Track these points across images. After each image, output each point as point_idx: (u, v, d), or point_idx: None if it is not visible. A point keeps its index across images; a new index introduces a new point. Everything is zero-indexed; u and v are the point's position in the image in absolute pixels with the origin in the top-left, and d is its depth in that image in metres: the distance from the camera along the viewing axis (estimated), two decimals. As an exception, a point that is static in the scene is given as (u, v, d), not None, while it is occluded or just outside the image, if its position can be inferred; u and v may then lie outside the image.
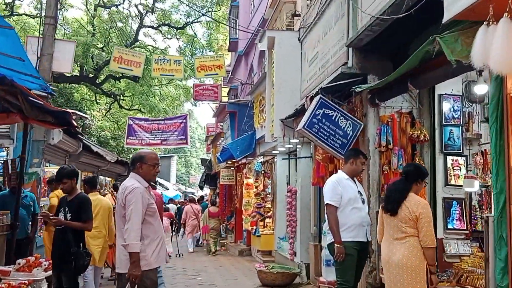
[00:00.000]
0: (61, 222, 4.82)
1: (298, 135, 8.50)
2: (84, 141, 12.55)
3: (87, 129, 27.07)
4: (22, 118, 6.60)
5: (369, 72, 6.23)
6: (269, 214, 12.30)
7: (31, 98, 5.58)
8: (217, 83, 15.51)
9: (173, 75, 11.19)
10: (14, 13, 21.70)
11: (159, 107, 26.54)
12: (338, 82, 6.32)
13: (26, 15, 23.18)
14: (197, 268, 11.10)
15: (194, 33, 22.91)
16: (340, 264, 5.10)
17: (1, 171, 7.37)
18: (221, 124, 17.77)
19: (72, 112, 10.75)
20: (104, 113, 28.09)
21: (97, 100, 26.71)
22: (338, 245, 5.03)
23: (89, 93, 26.35)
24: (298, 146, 10.08)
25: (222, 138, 16.82)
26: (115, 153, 21.64)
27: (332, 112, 6.20)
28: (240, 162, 15.38)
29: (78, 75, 21.83)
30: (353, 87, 6.01)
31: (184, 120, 20.02)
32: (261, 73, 15.50)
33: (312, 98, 6.61)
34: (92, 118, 27.93)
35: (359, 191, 5.28)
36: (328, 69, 7.02)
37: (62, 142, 10.64)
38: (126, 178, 4.29)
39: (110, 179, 19.64)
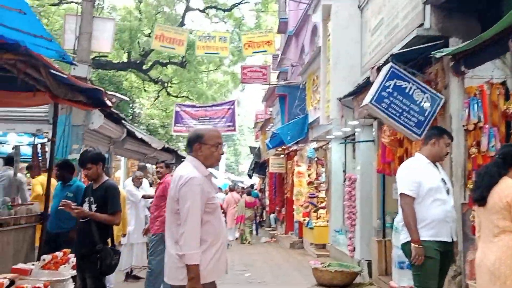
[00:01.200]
0: (84, 213, 4.10)
1: (359, 116, 7.46)
2: (128, 126, 11.99)
3: (136, 118, 27.00)
4: (50, 97, 5.97)
5: (452, 34, 5.11)
6: (323, 204, 11.31)
7: (56, 72, 4.87)
8: (266, 65, 14.60)
9: (218, 53, 10.38)
10: (62, 2, 21.60)
11: (207, 94, 26.04)
12: (413, 47, 5.25)
13: (75, 2, 23.09)
14: (245, 261, 10.32)
15: (242, 15, 22.04)
16: (418, 268, 4.09)
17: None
18: (270, 109, 16.88)
19: (110, 94, 10.24)
20: (152, 101, 27.89)
21: (145, 88, 26.51)
22: (416, 245, 4.02)
23: (137, 81, 26.17)
24: (357, 129, 9.02)
25: (272, 124, 15.93)
26: (164, 141, 21.20)
27: (405, 84, 5.13)
28: (290, 148, 14.47)
29: (125, 61, 21.56)
30: (432, 53, 4.93)
31: (232, 106, 19.32)
32: (313, 51, 14.43)
33: (379, 69, 5.56)
34: (141, 106, 27.83)
35: (442, 179, 4.22)
36: (397, 35, 5.94)
37: (103, 127, 10.09)
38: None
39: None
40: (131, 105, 25.68)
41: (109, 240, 4.19)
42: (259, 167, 23.70)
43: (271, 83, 14.15)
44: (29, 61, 4.58)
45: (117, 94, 10.73)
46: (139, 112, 28.28)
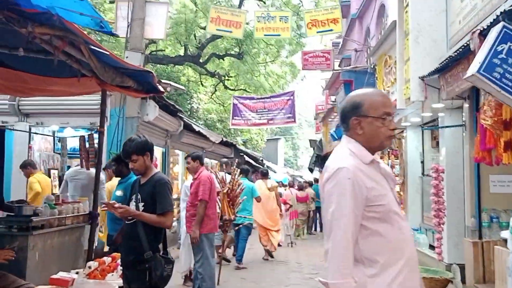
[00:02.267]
0: (130, 213, 3.38)
1: (447, 96, 6.35)
2: (184, 119, 11.41)
3: (194, 113, 26.73)
4: (97, 83, 5.37)
5: None
6: (399, 200, 10.17)
7: (98, 49, 4.20)
8: (328, 49, 13.57)
9: (279, 35, 9.51)
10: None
11: (264, 86, 25.29)
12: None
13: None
14: (313, 263, 9.42)
15: (300, 1, 21.02)
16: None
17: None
18: (333, 98, 15.83)
19: (165, 83, 9.63)
20: (210, 95, 27.52)
21: (202, 82, 26.15)
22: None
23: (194, 76, 25.86)
24: (440, 114, 7.87)
25: (335, 114, 14.88)
26: (222, 136, 20.63)
27: (524, 47, 4.04)
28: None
29: (182, 55, 21.19)
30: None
31: (291, 97, 18.43)
32: (380, 35, 13.24)
33: (482, 34, 4.48)
34: (199, 101, 27.55)
35: None
36: (504, -9, 4.82)
37: (159, 119, 9.52)
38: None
39: (216, 162, 18.70)
40: (188, 100, 25.42)
41: (160, 246, 3.44)
42: (320, 160, 22.65)
43: (334, 69, 13.11)
44: (66, 36, 3.93)
45: (172, 83, 10.13)
46: (197, 107, 28.02)
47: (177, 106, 10.85)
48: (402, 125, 9.78)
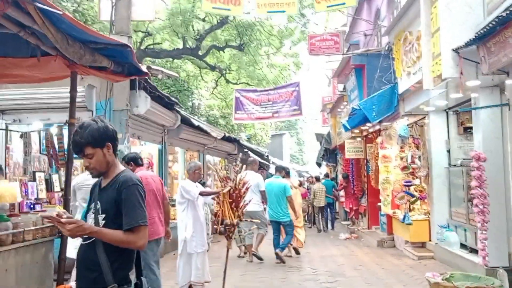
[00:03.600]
0: (84, 230, 2.33)
1: (489, 69, 5.31)
2: (182, 113, 10.41)
3: (196, 109, 25.76)
4: (65, 64, 4.39)
5: None
6: (422, 194, 9.13)
7: (51, 9, 3.18)
8: (336, 32, 12.50)
9: (284, 11, 8.46)
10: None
11: (268, 78, 24.29)
12: None
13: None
14: (329, 268, 8.40)
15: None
16: None
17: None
18: (342, 87, 14.77)
19: (156, 69, 8.62)
20: (211, 91, 26.53)
21: (203, 77, 25.14)
22: None
23: (194, 71, 24.86)
24: (473, 94, 6.83)
25: (345, 103, 13.82)
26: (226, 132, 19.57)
27: None
28: (370, 130, 12.33)
29: (180, 48, 20.17)
30: None
31: (297, 88, 17.43)
32: (392, 15, 12.18)
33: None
34: (200, 97, 26.59)
35: None
36: None
37: (152, 112, 8.52)
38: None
39: (219, 159, 17.70)
40: (190, 97, 24.45)
41: (131, 274, 2.42)
42: (329, 154, 21.62)
43: (344, 53, 12.04)
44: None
45: (164, 69, 9.10)
46: (199, 104, 27.06)
47: (172, 98, 9.83)
48: (424, 110, 8.75)
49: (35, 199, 8.75)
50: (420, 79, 7.35)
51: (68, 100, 7.61)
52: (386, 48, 10.21)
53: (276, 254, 8.87)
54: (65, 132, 4.20)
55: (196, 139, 12.37)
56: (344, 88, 13.59)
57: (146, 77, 7.92)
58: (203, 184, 8.93)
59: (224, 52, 22.03)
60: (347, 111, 13.16)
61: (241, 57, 22.79)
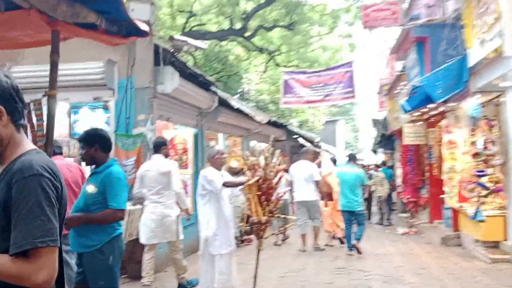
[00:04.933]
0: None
1: None
2: (219, 94, 9.45)
3: (246, 95, 24.91)
4: (45, 21, 3.49)
5: None
6: (498, 185, 7.69)
7: None
8: (395, 0, 11.05)
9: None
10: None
11: (319, 60, 22.99)
12: None
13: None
14: (385, 271, 7.19)
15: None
16: None
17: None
18: (401, 64, 13.29)
19: (179, 40, 7.69)
20: (261, 75, 25.54)
21: (252, 60, 24.19)
22: None
23: (244, 54, 23.94)
24: None
25: (404, 83, 12.38)
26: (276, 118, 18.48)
27: None
28: (431, 112, 10.87)
29: (226, 29, 19.25)
30: None
31: (350, 69, 16.11)
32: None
33: None
34: (249, 82, 25.71)
35: None
36: None
37: (182, 92, 7.61)
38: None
39: (266, 145, 16.70)
40: (238, 82, 23.60)
41: None
42: (385, 140, 20.08)
43: (404, 25, 10.59)
44: None
45: (190, 40, 8.15)
46: (248, 89, 26.20)
47: (208, 78, 8.90)
48: (501, 86, 7.29)
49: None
50: (497, 46, 5.98)
51: (89, 77, 6.92)
52: (454, 16, 8.76)
53: (353, 245, 8.49)
54: (45, 108, 3.41)
55: (237, 123, 11.42)
56: (403, 67, 12.14)
57: (173, 51, 7.03)
58: (240, 173, 7.98)
59: (272, 32, 20.92)
60: (406, 92, 11.74)
61: (291, 38, 21.61)
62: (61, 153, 5.10)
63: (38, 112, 3.72)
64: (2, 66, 6.77)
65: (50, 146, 3.40)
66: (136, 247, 6.64)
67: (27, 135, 3.99)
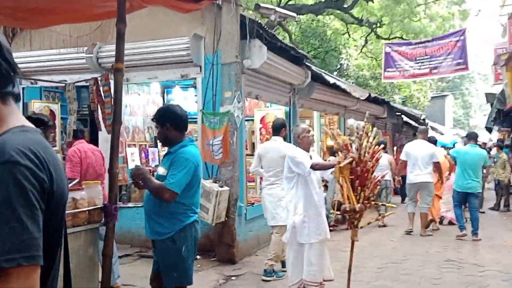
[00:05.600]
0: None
1: None
2: (313, 68, 8.84)
3: (344, 71, 23.90)
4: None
5: None
6: None
7: None
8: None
9: None
10: None
11: (426, 31, 21.19)
12: None
13: None
14: (504, 267, 6.21)
15: None
16: None
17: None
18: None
19: (267, 7, 7.15)
20: (360, 49, 24.27)
21: (351, 34, 23.00)
22: None
23: (342, 29, 22.85)
24: None
25: (527, 50, 10.77)
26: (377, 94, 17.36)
27: None
28: None
29: (323, 0, 18.35)
30: None
31: (462, 38, 14.58)
32: None
33: None
34: (348, 57, 24.58)
35: None
36: None
37: (271, 66, 7.14)
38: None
39: (363, 123, 15.72)
40: (337, 57, 22.62)
41: None
42: (502, 116, 18.04)
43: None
44: None
45: (278, 8, 7.59)
46: (347, 64, 25.08)
47: (301, 51, 8.33)
48: None
49: (155, 166, 8.18)
50: None
51: (176, 54, 6.70)
52: None
53: (474, 240, 7.99)
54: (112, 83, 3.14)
55: (333, 100, 10.73)
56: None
57: (260, 23, 6.57)
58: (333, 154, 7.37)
59: (373, 2, 19.60)
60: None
61: (394, 7, 20.15)
62: (83, 137, 5.08)
63: (106, 88, 3.49)
64: (93, 45, 6.77)
65: (117, 123, 3.11)
66: (225, 229, 6.41)
67: (101, 112, 3.78)
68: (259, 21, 6.59)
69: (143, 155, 8.32)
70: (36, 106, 7.54)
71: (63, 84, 4.44)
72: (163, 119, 3.42)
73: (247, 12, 6.66)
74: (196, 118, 6.95)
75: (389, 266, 6.33)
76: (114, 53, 6.90)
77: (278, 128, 5.76)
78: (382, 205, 7.54)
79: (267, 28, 6.94)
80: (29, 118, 3.96)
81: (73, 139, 4.86)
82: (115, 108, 3.11)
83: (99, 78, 3.51)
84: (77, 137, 4.83)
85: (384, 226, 9.32)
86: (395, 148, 14.97)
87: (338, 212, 4.04)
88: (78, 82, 4.51)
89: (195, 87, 7.08)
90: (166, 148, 3.60)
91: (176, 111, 3.49)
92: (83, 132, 4.83)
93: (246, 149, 9.05)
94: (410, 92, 26.72)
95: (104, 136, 6.49)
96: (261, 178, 7.28)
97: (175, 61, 6.67)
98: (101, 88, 3.48)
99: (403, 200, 12.17)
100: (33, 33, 7.57)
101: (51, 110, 7.62)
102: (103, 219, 3.11)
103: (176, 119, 3.43)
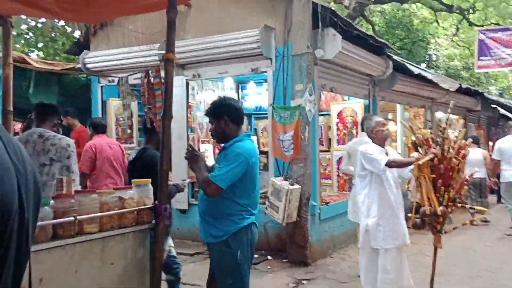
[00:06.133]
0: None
1: None
2: (394, 58, 8.22)
3: (433, 62, 22.49)
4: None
5: None
6: None
7: None
8: None
9: None
10: None
11: (526, 15, 19.28)
12: None
13: None
14: None
15: None
16: None
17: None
18: None
19: None
20: (451, 38, 22.68)
21: (440, 22, 21.52)
22: None
23: (430, 17, 21.47)
24: None
25: None
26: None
27: None
28: None
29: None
30: None
31: None
32: None
33: None
34: (438, 47, 23.12)
35: None
36: None
37: (347, 57, 6.68)
38: None
39: (449, 115, 14.54)
40: (425, 48, 21.31)
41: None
42: None
43: None
44: None
45: None
46: (436, 55, 23.61)
47: (380, 40, 7.76)
48: None
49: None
50: None
51: (245, 47, 6.46)
52: None
53: None
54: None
55: (418, 92, 9.95)
56: None
57: (333, 10, 6.15)
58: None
59: (464, -14, 18.18)
60: None
61: (489, -10, 18.52)
62: (104, 132, 5.36)
63: (156, 80, 3.30)
64: (165, 42, 6.73)
65: (168, 118, 2.91)
66: (296, 229, 6.09)
67: (148, 109, 3.63)
68: (332, 8, 6.16)
69: (216, 151, 8.22)
70: (114, 104, 7.70)
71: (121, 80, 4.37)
72: (220, 111, 3.17)
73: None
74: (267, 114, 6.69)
75: (482, 275, 5.64)
76: (184, 48, 6.89)
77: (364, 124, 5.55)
78: (471, 208, 6.79)
79: (343, 17, 6.50)
80: (37, 106, 3.94)
81: (94, 133, 4.91)
82: (165, 101, 2.91)
83: (149, 70, 3.38)
84: (98, 132, 4.92)
85: (486, 221, 8.59)
86: (490, 143, 13.77)
87: (417, 215, 3.55)
88: (132, 75, 4.41)
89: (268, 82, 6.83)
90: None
91: (233, 103, 3.25)
92: (104, 127, 4.85)
93: (322, 145, 8.65)
94: (508, 82, 24.57)
95: (176, 133, 6.45)
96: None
97: (245, 55, 6.44)
98: (152, 80, 3.34)
99: (499, 200, 11.08)
100: (110, 32, 7.77)
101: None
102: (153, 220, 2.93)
103: (234, 112, 3.19)
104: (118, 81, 4.21)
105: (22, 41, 10.13)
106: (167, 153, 2.94)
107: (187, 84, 7.13)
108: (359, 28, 6.98)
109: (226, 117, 3.14)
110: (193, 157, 3.10)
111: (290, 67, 6.06)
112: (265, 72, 6.48)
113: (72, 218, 2.45)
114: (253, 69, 6.54)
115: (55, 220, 2.41)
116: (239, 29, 6.43)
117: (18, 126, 7.49)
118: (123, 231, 2.77)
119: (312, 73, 6.05)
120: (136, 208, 2.84)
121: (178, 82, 7.07)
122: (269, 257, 6.20)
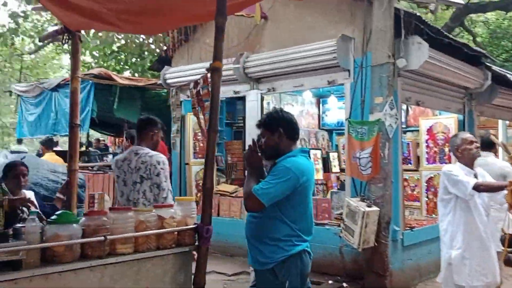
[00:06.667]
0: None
1: None
2: (494, 69, 7.37)
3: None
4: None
5: None
6: None
7: None
8: None
9: None
10: None
11: None
12: None
13: None
14: None
15: None
16: None
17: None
18: None
19: None
20: None
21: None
22: None
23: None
24: None
25: None
26: None
27: None
28: None
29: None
30: None
31: None
32: None
33: None
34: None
35: None
36: None
37: (436, 67, 6.06)
38: None
39: None
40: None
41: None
42: None
43: None
44: None
45: None
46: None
47: (476, 48, 7.00)
48: None
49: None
50: None
51: (323, 57, 6.10)
52: None
53: None
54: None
55: (524, 106, 8.87)
56: None
57: (419, 16, 5.62)
58: None
59: None
60: None
61: None
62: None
63: (204, 91, 3.09)
64: (240, 56, 6.64)
65: (213, 132, 2.68)
66: (375, 256, 5.55)
67: (202, 118, 3.42)
68: (418, 14, 5.62)
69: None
70: (192, 118, 7.71)
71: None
72: (276, 124, 2.88)
73: (401, 4, 5.75)
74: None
75: None
76: (260, 61, 6.70)
77: (489, 143, 5.46)
78: None
79: (431, 23, 5.93)
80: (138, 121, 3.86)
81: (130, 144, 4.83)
82: (211, 113, 2.68)
83: (198, 81, 3.19)
84: (132, 142, 4.81)
85: None
86: None
87: (510, 249, 2.96)
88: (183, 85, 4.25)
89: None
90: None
91: (290, 116, 2.95)
92: (133, 138, 4.69)
93: (409, 163, 7.98)
94: None
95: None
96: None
97: (322, 67, 6.10)
98: (202, 91, 3.15)
99: None
100: (189, 47, 7.83)
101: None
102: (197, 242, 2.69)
103: (290, 125, 2.91)
104: (168, 93, 4.08)
105: (113, 59, 10.71)
106: (211, 169, 2.70)
107: (262, 98, 6.93)
108: (448, 35, 6.31)
109: (281, 129, 2.86)
110: (253, 157, 2.84)
111: (369, 79, 5.61)
112: (342, 84, 6.08)
113: (102, 237, 2.28)
114: (329, 81, 6.17)
115: (82, 240, 2.25)
116: (316, 40, 6.13)
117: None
118: (161, 252, 2.55)
119: (394, 85, 5.53)
120: (175, 228, 2.62)
121: (253, 97, 6.91)
122: (344, 284, 5.72)
